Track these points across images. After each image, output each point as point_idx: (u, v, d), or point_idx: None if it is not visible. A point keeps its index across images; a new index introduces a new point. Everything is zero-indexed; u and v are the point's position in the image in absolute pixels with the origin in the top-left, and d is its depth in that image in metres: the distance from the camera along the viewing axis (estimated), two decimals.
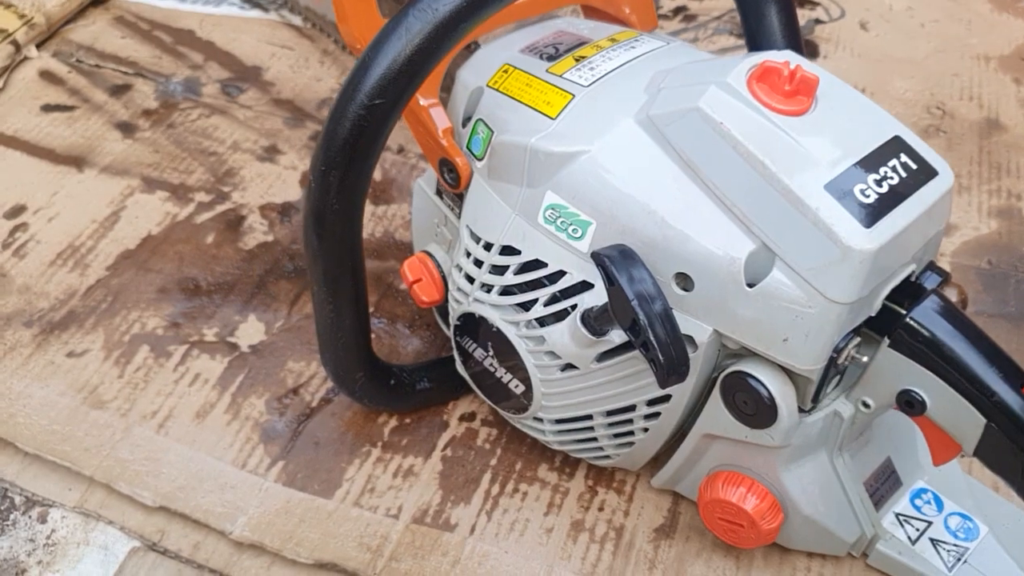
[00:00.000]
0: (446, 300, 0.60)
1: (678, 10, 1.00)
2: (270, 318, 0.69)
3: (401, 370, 0.62)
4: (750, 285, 0.45)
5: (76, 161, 0.81)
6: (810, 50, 0.94)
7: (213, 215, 0.76)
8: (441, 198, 0.60)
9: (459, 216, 0.57)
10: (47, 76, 0.89)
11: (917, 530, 0.54)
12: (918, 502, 0.55)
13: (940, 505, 0.55)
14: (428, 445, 0.62)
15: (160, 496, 0.58)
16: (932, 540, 0.53)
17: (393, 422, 0.63)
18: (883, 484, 0.55)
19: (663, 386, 0.45)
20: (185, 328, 0.68)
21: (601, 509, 0.58)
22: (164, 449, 0.60)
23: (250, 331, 0.68)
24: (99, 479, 0.59)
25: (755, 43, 0.56)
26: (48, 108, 0.86)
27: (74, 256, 0.73)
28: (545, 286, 0.51)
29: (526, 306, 0.52)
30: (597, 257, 0.45)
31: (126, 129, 0.84)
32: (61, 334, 0.67)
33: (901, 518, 0.54)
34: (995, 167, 0.82)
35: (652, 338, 0.43)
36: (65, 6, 0.95)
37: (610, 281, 0.45)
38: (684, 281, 0.47)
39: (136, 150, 0.82)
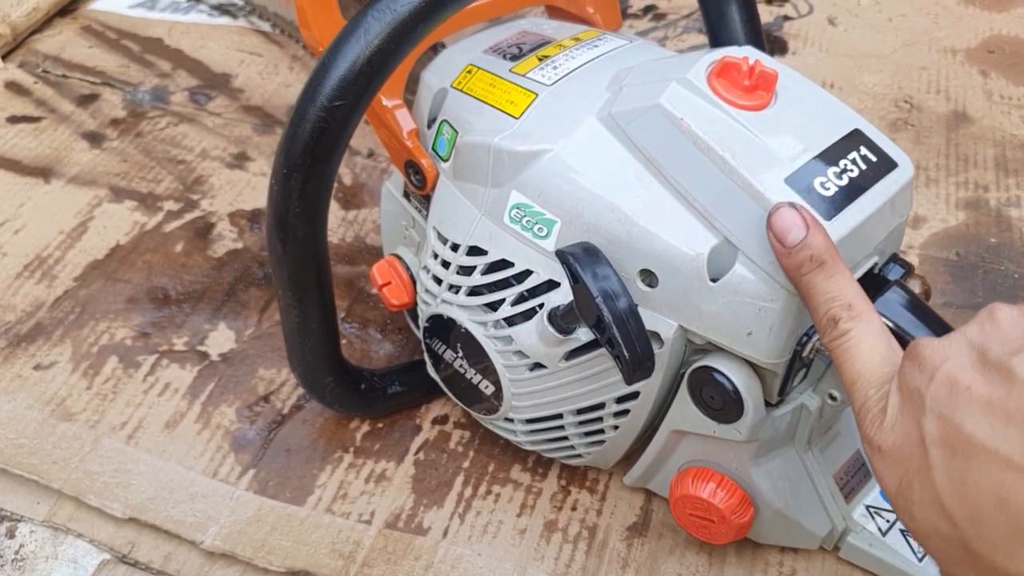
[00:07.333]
0: (416, 303, 0.60)
1: (647, 9, 1.00)
2: (240, 326, 0.69)
3: (372, 374, 0.61)
4: (713, 280, 0.45)
5: (43, 172, 0.80)
6: (779, 46, 0.95)
7: (182, 223, 0.76)
8: (408, 200, 0.60)
9: (426, 218, 0.57)
10: (13, 87, 0.89)
11: (887, 522, 0.54)
12: None
13: None
14: (401, 449, 0.61)
15: (130, 508, 0.57)
16: (902, 531, 0.53)
17: (365, 427, 0.63)
18: (853, 477, 0.55)
19: (629, 383, 0.45)
20: (154, 338, 0.67)
21: (574, 509, 0.58)
22: (134, 460, 0.60)
23: (220, 339, 0.68)
24: (68, 492, 0.58)
25: (717, 40, 0.56)
26: (14, 119, 0.85)
27: (41, 267, 0.72)
28: (512, 286, 0.51)
29: (494, 306, 0.51)
30: (561, 255, 0.45)
31: (93, 139, 0.84)
32: (28, 347, 0.66)
33: (871, 510, 0.54)
34: (962, 159, 0.82)
35: (617, 335, 0.43)
36: (31, 16, 0.94)
37: (575, 279, 0.45)
38: (648, 277, 0.46)
39: (104, 160, 0.81)
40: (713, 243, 0.44)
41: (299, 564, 0.55)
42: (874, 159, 0.45)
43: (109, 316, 0.69)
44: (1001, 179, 0.80)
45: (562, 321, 0.48)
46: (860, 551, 0.54)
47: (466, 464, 0.60)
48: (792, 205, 0.41)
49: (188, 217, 0.76)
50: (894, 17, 0.99)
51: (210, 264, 0.73)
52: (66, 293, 0.70)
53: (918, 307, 0.46)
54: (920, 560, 0.52)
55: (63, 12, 0.98)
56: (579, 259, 0.44)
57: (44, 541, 0.57)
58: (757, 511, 0.52)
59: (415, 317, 0.65)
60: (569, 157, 0.48)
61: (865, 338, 0.39)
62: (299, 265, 0.51)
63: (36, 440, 0.61)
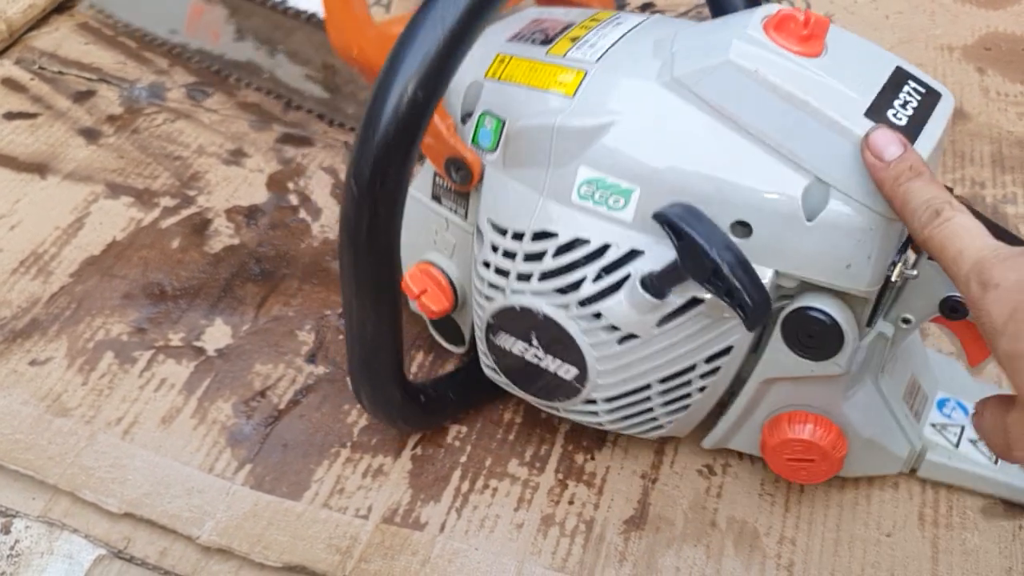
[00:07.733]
0: (454, 308, 0.59)
1: (645, 6, 1.01)
2: (237, 321, 0.68)
3: (425, 385, 0.60)
4: (809, 219, 0.46)
5: (39, 168, 0.80)
6: None
7: (178, 219, 0.76)
8: (439, 203, 0.59)
9: (465, 217, 0.57)
10: (9, 84, 0.88)
11: (955, 435, 0.57)
12: (946, 410, 0.58)
13: (965, 410, 0.58)
14: (398, 444, 0.61)
15: (126, 503, 0.57)
16: (971, 441, 0.56)
17: (362, 422, 0.62)
18: (915, 399, 0.57)
19: (751, 328, 0.47)
20: (150, 333, 0.67)
21: (571, 503, 0.58)
22: (130, 455, 0.60)
23: (216, 335, 0.67)
24: (63, 487, 0.58)
25: (720, 11, 0.57)
26: (10, 116, 0.85)
27: (37, 263, 0.72)
28: (590, 263, 0.50)
29: (574, 287, 0.51)
30: (662, 216, 0.46)
31: (90, 135, 0.83)
32: (24, 342, 0.66)
33: (937, 427, 0.57)
34: (959, 156, 0.82)
35: (740, 282, 0.45)
36: (27, 13, 0.94)
37: (679, 237, 0.46)
38: (742, 229, 0.47)
39: (100, 156, 0.81)
40: (805, 183, 0.46)
41: (296, 559, 0.55)
42: (923, 91, 0.48)
43: (105, 312, 0.69)
44: (997, 176, 0.80)
45: (659, 285, 0.48)
46: (939, 466, 0.56)
47: (463, 459, 0.60)
48: (887, 126, 0.44)
49: (184, 213, 0.76)
50: (891, 14, 0.99)
51: (206, 260, 0.73)
52: (62, 289, 0.70)
53: (987, 221, 0.47)
54: (996, 463, 0.55)
55: (60, 9, 0.97)
56: (682, 217, 0.46)
57: (39, 536, 0.57)
58: (849, 444, 0.53)
59: (441, 328, 0.64)
60: (639, 125, 0.48)
61: (968, 223, 0.41)
62: (378, 268, 0.49)
63: (32, 436, 0.60)
